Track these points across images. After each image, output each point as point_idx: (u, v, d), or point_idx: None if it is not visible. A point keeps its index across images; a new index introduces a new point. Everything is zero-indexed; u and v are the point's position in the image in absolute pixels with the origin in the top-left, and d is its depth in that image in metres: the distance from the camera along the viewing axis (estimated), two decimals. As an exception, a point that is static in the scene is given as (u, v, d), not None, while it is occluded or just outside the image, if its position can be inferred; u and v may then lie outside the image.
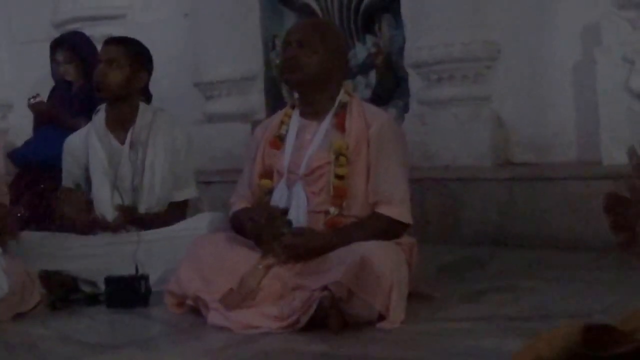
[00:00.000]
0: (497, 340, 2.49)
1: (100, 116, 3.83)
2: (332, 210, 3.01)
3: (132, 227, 3.67)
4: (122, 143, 3.77)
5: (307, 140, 3.13)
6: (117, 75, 3.73)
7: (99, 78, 3.73)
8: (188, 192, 3.85)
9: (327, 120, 3.12)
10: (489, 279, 3.41)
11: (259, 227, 2.98)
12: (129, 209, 3.70)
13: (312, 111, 3.16)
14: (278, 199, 3.09)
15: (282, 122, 3.21)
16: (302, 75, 3.11)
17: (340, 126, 3.09)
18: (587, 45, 4.25)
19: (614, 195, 1.50)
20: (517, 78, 4.56)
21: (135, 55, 3.78)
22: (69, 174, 3.88)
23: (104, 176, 3.74)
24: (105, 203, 3.72)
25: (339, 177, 3.02)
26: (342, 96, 3.14)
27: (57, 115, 4.83)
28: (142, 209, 3.73)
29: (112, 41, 3.86)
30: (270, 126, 3.24)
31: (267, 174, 3.16)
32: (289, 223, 2.98)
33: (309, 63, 3.09)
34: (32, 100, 4.87)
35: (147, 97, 3.92)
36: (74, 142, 3.87)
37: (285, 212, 3.00)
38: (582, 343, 1.47)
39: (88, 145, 3.79)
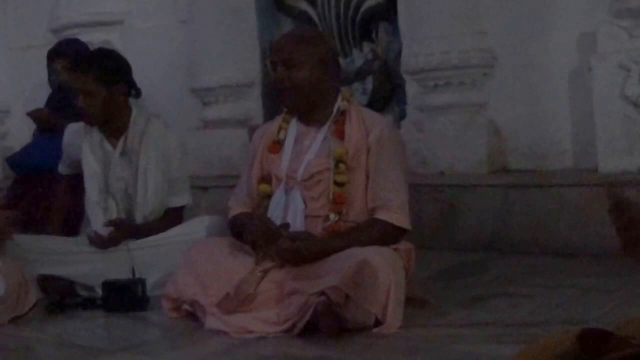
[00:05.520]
0: (493, 346, 2.50)
1: None
2: (332, 217, 3.02)
3: (128, 240, 3.66)
4: (115, 148, 3.77)
5: (306, 145, 3.13)
6: (97, 103, 3.68)
7: (82, 110, 3.71)
8: (183, 199, 3.84)
9: (326, 127, 3.12)
10: (485, 286, 3.42)
11: (257, 231, 2.99)
12: (122, 223, 3.69)
13: (310, 120, 3.17)
14: (276, 204, 3.09)
15: (280, 128, 3.21)
16: (296, 96, 3.09)
17: (339, 133, 3.08)
18: (584, 53, 4.26)
19: (618, 197, 1.50)
20: (513, 85, 4.57)
21: (106, 75, 3.69)
22: (67, 157, 3.93)
23: (94, 183, 3.74)
24: (96, 209, 3.72)
25: (339, 184, 3.03)
26: (340, 103, 3.13)
27: (55, 122, 4.83)
28: (138, 217, 3.72)
29: (79, 69, 3.72)
30: (269, 131, 3.25)
31: (266, 178, 3.17)
32: (287, 227, 2.99)
33: (300, 82, 3.06)
34: None
35: (137, 93, 3.86)
36: (74, 131, 3.89)
37: (285, 227, 3.00)
38: (577, 349, 1.47)
39: (83, 144, 3.79)
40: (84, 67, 3.73)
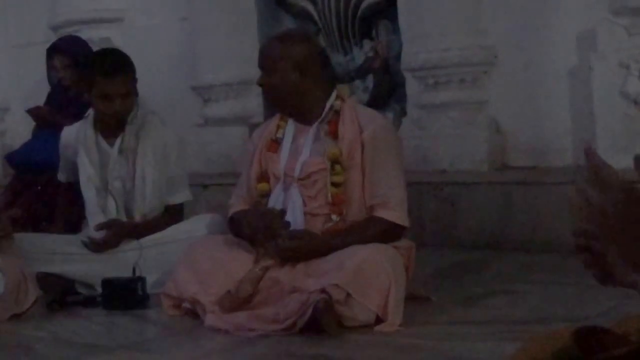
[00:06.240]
0: (494, 344, 2.49)
1: (89, 121, 3.79)
2: (334, 218, 3.01)
3: (128, 239, 3.66)
4: (113, 146, 3.76)
5: (301, 144, 3.13)
6: (133, 102, 3.71)
7: (123, 111, 3.66)
8: (183, 195, 3.83)
9: (315, 126, 3.11)
10: (486, 283, 3.42)
11: (256, 229, 2.99)
12: (115, 224, 3.66)
13: (303, 119, 3.16)
14: (274, 202, 3.09)
15: (278, 126, 3.21)
16: (277, 100, 3.13)
17: (333, 133, 3.08)
18: (583, 51, 4.26)
19: (584, 231, 1.47)
20: (513, 83, 4.56)
21: (135, 73, 3.73)
22: (65, 163, 3.91)
23: (90, 186, 3.72)
24: (95, 209, 3.71)
25: (336, 184, 3.02)
26: (333, 101, 3.12)
27: (55, 120, 4.82)
28: (137, 215, 3.72)
29: (122, 71, 3.66)
30: (267, 130, 3.24)
31: (264, 177, 3.16)
32: (287, 225, 2.99)
33: (277, 86, 3.08)
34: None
35: None
36: (69, 134, 3.87)
37: (282, 213, 3.01)
38: (575, 346, 1.47)
39: (78, 147, 3.78)
40: (128, 68, 3.70)
